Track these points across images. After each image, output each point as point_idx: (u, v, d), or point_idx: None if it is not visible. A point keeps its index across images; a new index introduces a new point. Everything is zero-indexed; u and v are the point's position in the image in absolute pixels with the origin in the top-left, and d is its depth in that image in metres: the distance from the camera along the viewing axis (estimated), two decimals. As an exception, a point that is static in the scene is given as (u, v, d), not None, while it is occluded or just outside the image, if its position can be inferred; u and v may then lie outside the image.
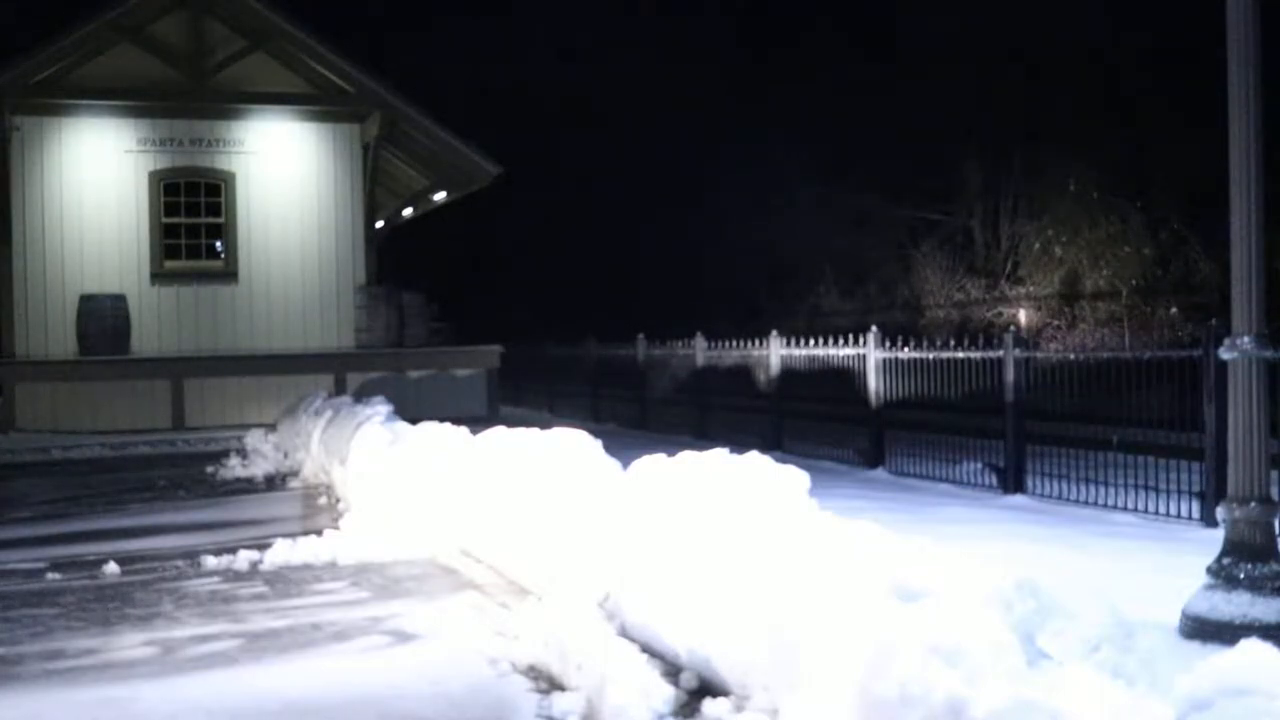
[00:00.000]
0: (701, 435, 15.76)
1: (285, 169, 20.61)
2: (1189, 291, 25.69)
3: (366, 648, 5.67)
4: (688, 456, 5.36)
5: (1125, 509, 9.15)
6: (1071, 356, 10.84)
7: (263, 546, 8.06)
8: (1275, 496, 5.52)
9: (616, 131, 41.65)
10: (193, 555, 8.11)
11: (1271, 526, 5.48)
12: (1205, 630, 5.31)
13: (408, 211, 26.95)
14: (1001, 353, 10.64)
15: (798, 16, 37.51)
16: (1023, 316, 28.79)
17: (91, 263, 19.54)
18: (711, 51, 39.77)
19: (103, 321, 18.64)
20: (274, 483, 12.45)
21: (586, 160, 42.21)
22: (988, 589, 3.70)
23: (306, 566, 7.73)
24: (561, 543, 6.04)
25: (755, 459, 5.08)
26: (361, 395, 13.92)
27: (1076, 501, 9.72)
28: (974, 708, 3.16)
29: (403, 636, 5.84)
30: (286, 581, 7.29)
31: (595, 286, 41.30)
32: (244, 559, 7.81)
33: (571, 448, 6.59)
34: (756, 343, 15.29)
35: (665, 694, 4.46)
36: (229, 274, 20.31)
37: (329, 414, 12.06)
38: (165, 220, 20.02)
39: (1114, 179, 27.66)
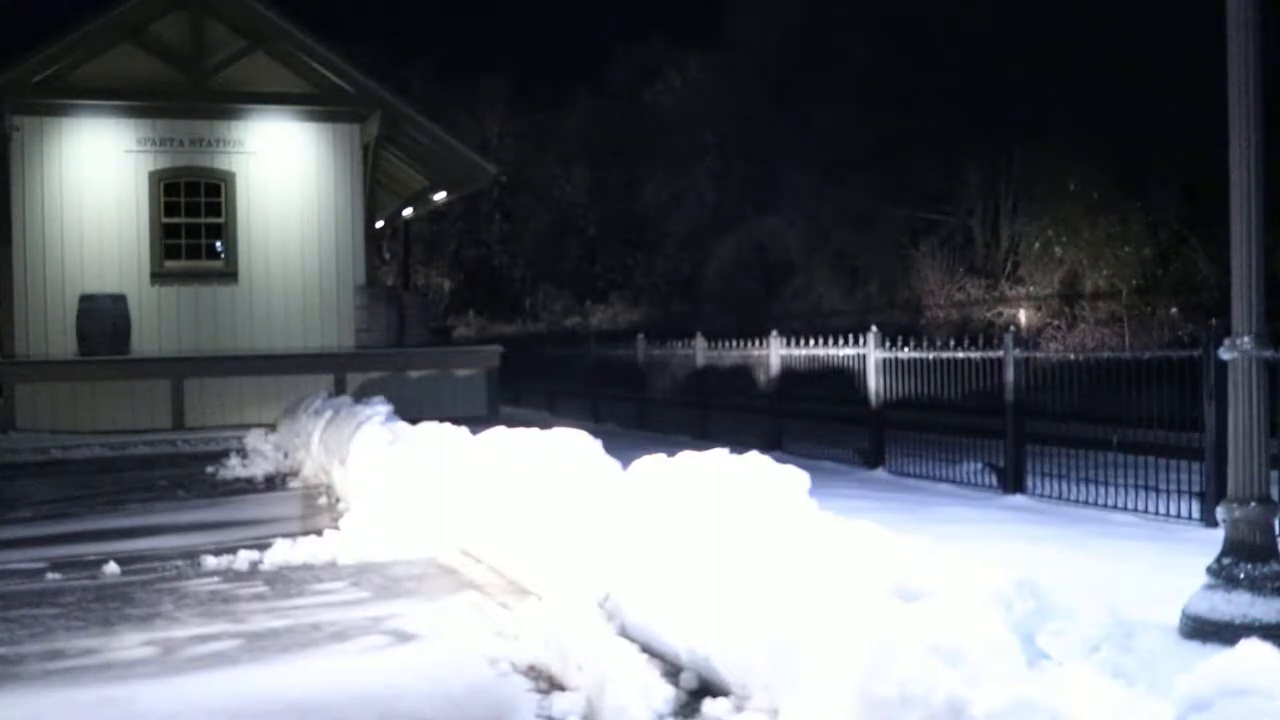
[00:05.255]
0: (701, 435, 15.73)
1: (285, 169, 20.60)
2: (1189, 291, 25.71)
3: (366, 648, 5.67)
4: (688, 456, 5.36)
5: (1125, 509, 9.14)
6: (1071, 356, 10.83)
7: (263, 546, 8.06)
8: (1275, 496, 5.52)
9: (615, 130, 41.67)
10: (193, 555, 8.10)
11: (1271, 526, 5.47)
12: (1205, 630, 5.31)
13: (408, 211, 26.95)
14: (1001, 353, 10.64)
15: (799, 14, 37.45)
16: (1023, 316, 28.80)
17: (91, 263, 19.53)
18: (710, 48, 39.74)
19: (103, 321, 18.64)
20: (274, 483, 12.44)
21: (585, 159, 42.23)
22: (988, 589, 3.70)
23: (306, 566, 7.73)
24: (561, 543, 6.04)
25: (755, 459, 5.08)
26: (361, 395, 13.92)
27: (1076, 501, 9.71)
28: (974, 708, 3.16)
29: (403, 636, 5.83)
30: (286, 581, 7.29)
31: (595, 285, 41.32)
32: (244, 559, 7.81)
33: (571, 448, 6.59)
34: (756, 343, 15.27)
35: (665, 694, 4.46)
36: (229, 274, 20.30)
37: (329, 414, 12.06)
38: (165, 220, 20.01)
39: (1114, 179, 27.66)
